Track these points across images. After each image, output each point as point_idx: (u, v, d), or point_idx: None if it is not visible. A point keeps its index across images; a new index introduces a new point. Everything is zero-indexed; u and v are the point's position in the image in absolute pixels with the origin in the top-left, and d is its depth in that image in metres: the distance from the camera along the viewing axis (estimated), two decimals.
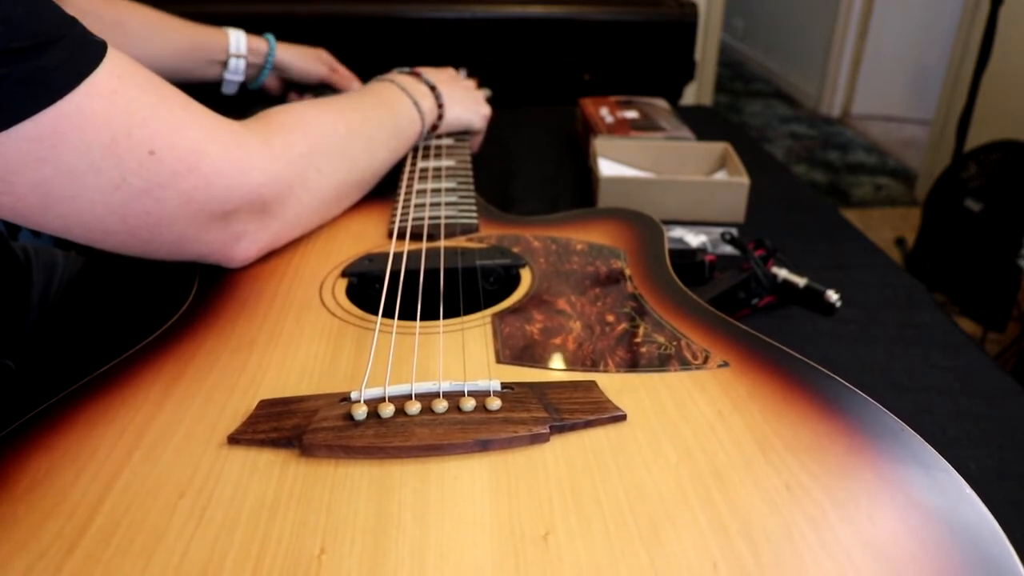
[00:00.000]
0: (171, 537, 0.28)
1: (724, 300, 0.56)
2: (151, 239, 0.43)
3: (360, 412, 0.33)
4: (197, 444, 0.33)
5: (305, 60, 0.91)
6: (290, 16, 1.33)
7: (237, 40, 0.85)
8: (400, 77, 0.67)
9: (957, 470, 0.42)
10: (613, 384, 0.36)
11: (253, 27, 0.88)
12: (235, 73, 0.86)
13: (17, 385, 0.49)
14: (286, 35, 0.94)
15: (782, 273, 0.60)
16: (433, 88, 0.69)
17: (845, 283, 0.60)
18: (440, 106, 0.69)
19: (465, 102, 0.73)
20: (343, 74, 0.95)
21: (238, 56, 0.85)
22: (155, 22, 0.81)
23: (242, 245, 0.48)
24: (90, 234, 0.42)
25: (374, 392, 0.35)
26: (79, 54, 0.37)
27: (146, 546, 0.27)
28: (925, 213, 1.91)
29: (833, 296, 0.58)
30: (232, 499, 0.30)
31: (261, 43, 0.87)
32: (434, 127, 0.70)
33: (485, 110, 0.76)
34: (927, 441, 0.45)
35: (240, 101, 0.88)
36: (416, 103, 0.65)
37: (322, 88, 0.93)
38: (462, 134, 0.73)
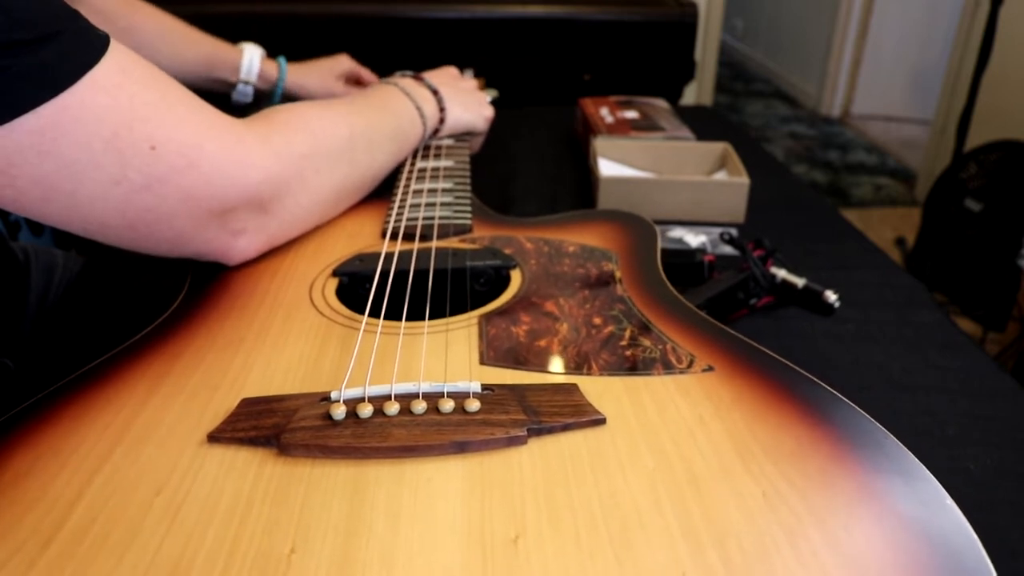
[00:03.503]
0: (145, 534, 0.28)
1: (722, 300, 0.56)
2: (150, 234, 0.43)
3: (339, 412, 0.33)
4: (178, 442, 0.33)
5: (322, 83, 0.90)
6: (292, 16, 1.33)
7: (250, 64, 0.85)
8: (403, 81, 0.67)
9: (956, 470, 0.42)
10: (595, 387, 0.36)
11: (254, 28, 0.88)
12: (243, 96, 0.87)
13: (16, 384, 0.49)
14: (287, 35, 0.94)
15: (781, 273, 0.59)
16: (435, 92, 0.69)
17: (845, 283, 0.60)
18: (442, 110, 0.69)
19: (467, 104, 0.73)
20: (366, 79, 0.95)
21: (247, 82, 0.86)
22: (170, 32, 0.80)
23: (240, 243, 0.48)
24: (90, 227, 0.42)
25: (354, 392, 0.35)
26: (82, 47, 0.37)
27: (120, 542, 0.28)
28: (925, 213, 1.91)
29: (832, 296, 0.58)
30: (208, 497, 0.30)
31: (272, 69, 0.87)
32: (436, 130, 0.70)
33: (487, 112, 0.76)
34: (926, 441, 0.45)
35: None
36: (419, 107, 0.65)
37: None
38: (463, 135, 0.73)
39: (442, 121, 0.69)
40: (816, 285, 0.58)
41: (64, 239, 0.67)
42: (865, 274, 0.64)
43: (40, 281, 0.59)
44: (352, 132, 0.55)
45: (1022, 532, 0.38)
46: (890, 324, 0.57)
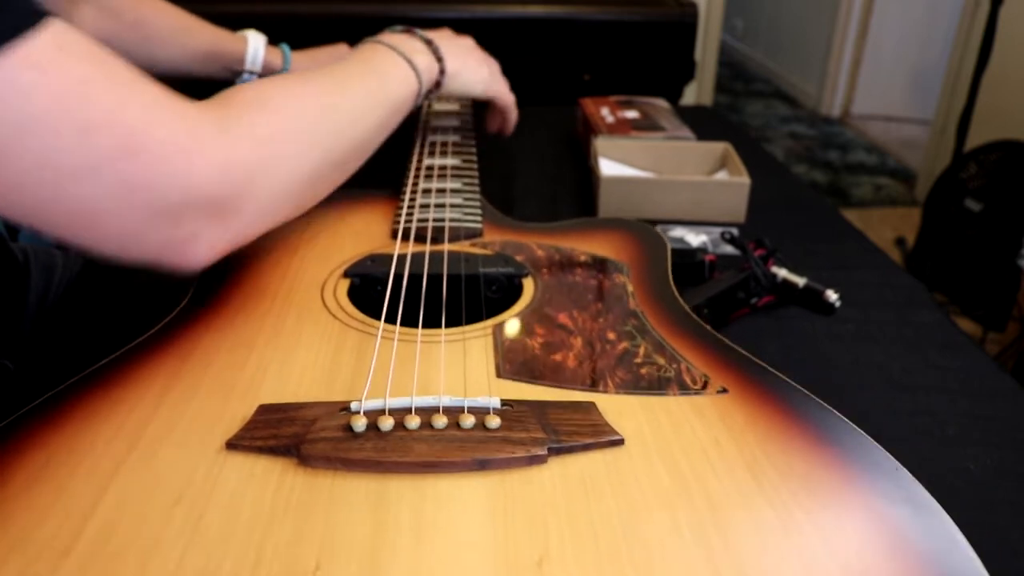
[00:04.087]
0: (167, 546, 0.27)
1: (723, 300, 0.56)
2: (93, 228, 0.39)
3: (360, 424, 0.33)
4: (194, 447, 0.32)
5: None
6: (292, 16, 1.33)
7: (255, 53, 0.84)
8: (390, 36, 0.60)
9: (956, 470, 0.42)
10: (612, 406, 0.36)
11: (255, 27, 0.88)
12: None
13: (15, 385, 0.49)
14: (287, 35, 0.94)
15: (781, 273, 0.59)
16: (429, 42, 0.61)
17: (845, 283, 0.60)
18: (440, 60, 0.61)
19: (470, 62, 0.66)
20: None
21: (252, 72, 0.86)
22: (177, 24, 0.80)
23: (198, 247, 0.41)
24: (30, 216, 0.37)
25: (374, 404, 0.35)
26: (12, 20, 0.34)
27: (142, 553, 0.27)
28: (925, 213, 1.91)
29: (832, 296, 0.58)
30: (229, 507, 0.29)
31: (276, 58, 0.86)
32: (437, 85, 0.62)
33: (495, 68, 0.69)
34: (926, 441, 0.45)
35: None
36: (409, 60, 0.58)
37: None
38: (475, 112, 0.70)
39: (442, 73, 0.62)
40: (817, 284, 0.58)
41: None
42: (865, 274, 0.64)
43: (40, 281, 0.59)
44: (323, 104, 0.49)
45: (1022, 532, 0.38)
46: (890, 324, 0.57)
